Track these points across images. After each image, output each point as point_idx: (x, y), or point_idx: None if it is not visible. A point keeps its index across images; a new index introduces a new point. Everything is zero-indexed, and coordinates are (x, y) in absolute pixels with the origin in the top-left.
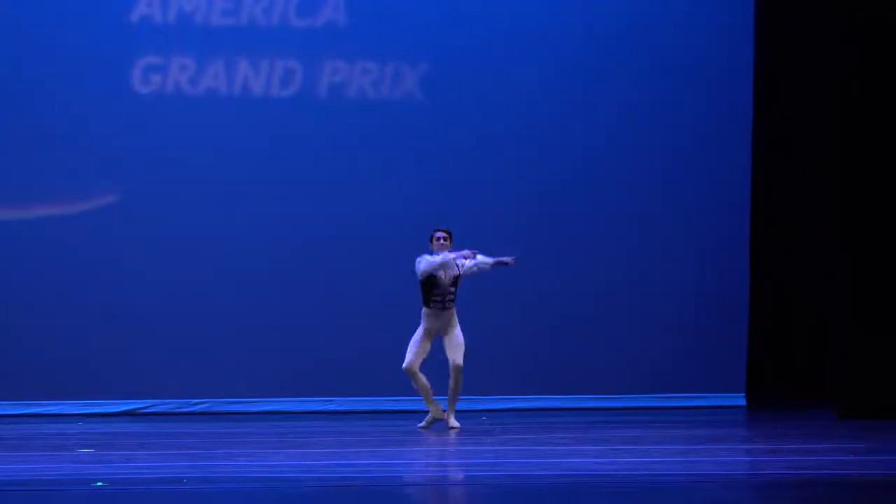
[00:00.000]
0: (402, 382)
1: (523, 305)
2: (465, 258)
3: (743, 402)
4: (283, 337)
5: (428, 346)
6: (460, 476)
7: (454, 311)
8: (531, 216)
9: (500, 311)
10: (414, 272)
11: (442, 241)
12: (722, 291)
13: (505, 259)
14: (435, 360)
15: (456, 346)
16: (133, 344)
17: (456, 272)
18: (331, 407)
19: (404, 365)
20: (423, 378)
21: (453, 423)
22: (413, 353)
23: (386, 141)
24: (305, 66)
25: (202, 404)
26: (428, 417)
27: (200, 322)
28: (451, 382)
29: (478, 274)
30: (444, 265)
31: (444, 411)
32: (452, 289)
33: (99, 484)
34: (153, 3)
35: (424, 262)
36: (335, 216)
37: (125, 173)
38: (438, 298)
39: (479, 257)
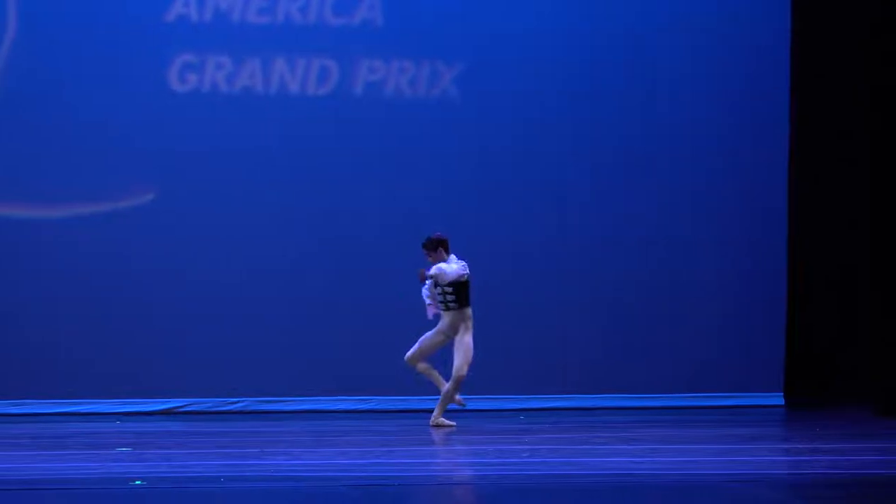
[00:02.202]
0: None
1: (562, 305)
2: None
3: (781, 401)
4: (319, 336)
5: (436, 340)
6: (497, 475)
7: (459, 315)
8: (567, 215)
9: (539, 311)
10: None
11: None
12: (760, 290)
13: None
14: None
15: (458, 353)
16: (171, 343)
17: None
18: (367, 406)
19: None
20: (423, 367)
21: (441, 421)
22: (418, 343)
23: (421, 140)
24: (341, 64)
25: (239, 403)
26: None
27: (237, 321)
28: (449, 385)
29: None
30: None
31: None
32: (449, 289)
33: (137, 483)
34: (189, 1)
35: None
36: (370, 214)
37: (161, 172)
38: (440, 300)
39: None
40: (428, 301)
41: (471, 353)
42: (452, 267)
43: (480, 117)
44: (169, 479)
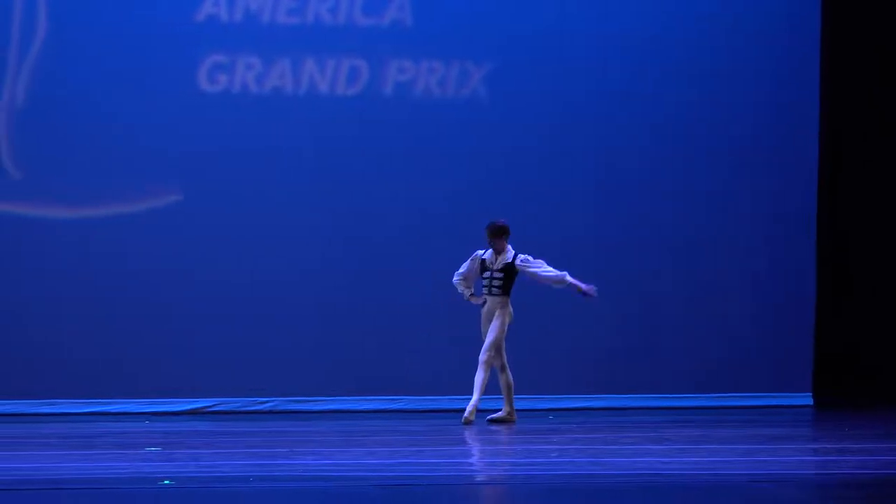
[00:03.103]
0: (468, 381)
1: (589, 304)
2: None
3: (810, 401)
4: (348, 336)
5: (485, 328)
6: (525, 475)
7: (499, 301)
8: (595, 215)
9: (568, 310)
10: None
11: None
12: (788, 289)
13: (582, 287)
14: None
15: (489, 335)
16: (199, 343)
17: (501, 264)
18: (396, 405)
19: None
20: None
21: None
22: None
23: (450, 140)
24: (371, 65)
25: (268, 403)
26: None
27: (266, 321)
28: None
29: (543, 283)
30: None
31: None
32: (499, 275)
33: (165, 482)
34: (219, 2)
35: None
36: (398, 215)
37: (190, 172)
38: (485, 283)
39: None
40: (460, 290)
41: (499, 335)
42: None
43: (509, 117)
44: (197, 478)
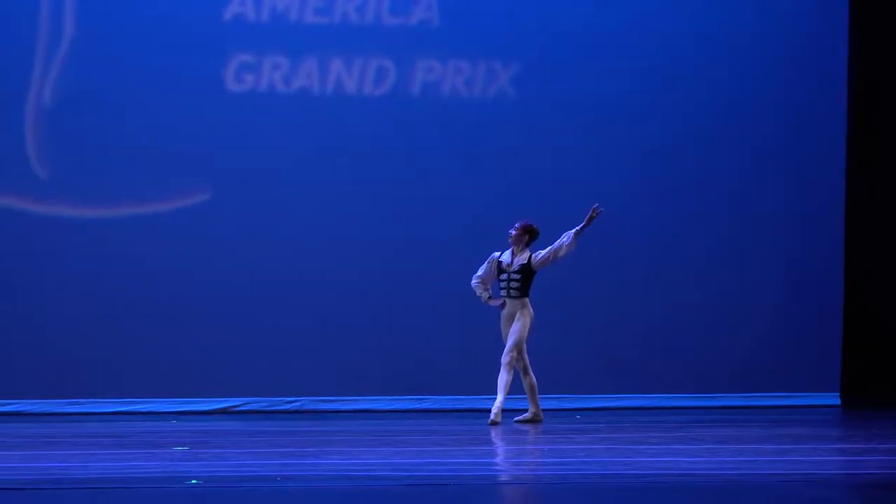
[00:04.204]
0: (495, 381)
1: (617, 304)
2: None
3: (838, 401)
4: (376, 335)
5: (505, 329)
6: (552, 475)
7: (519, 302)
8: (623, 215)
9: (594, 309)
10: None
11: (514, 234)
12: (816, 289)
13: (590, 216)
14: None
15: (510, 337)
16: (228, 342)
17: (518, 265)
18: (424, 405)
19: None
20: (527, 379)
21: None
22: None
23: (477, 140)
24: (398, 64)
25: (296, 402)
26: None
27: (294, 320)
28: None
29: (566, 256)
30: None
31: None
32: (516, 276)
33: (193, 482)
34: (246, 1)
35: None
36: (426, 215)
37: (217, 172)
38: (503, 285)
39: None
40: (479, 292)
41: (521, 336)
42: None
43: (537, 118)
44: (225, 478)
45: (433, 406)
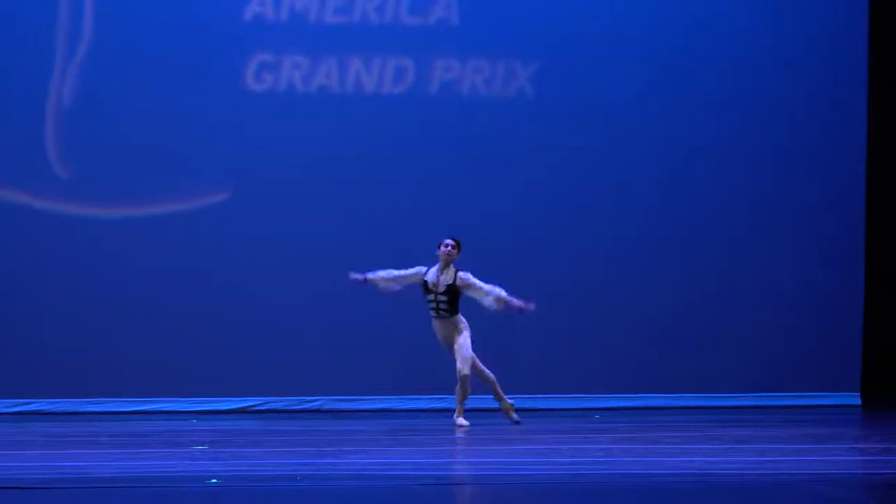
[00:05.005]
0: (515, 381)
1: (636, 303)
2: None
3: (858, 400)
4: (393, 335)
5: (447, 346)
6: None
7: (450, 322)
8: (642, 214)
9: (613, 309)
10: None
11: (449, 248)
12: (836, 288)
13: (516, 303)
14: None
15: (459, 355)
16: (248, 341)
17: (444, 286)
18: (441, 405)
19: None
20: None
21: (460, 421)
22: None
23: (496, 139)
24: (417, 63)
25: (315, 402)
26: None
27: (312, 320)
28: (458, 387)
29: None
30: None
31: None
32: (443, 298)
33: (213, 481)
34: (266, 1)
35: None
36: (445, 214)
37: (237, 171)
38: (431, 306)
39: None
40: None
41: (467, 351)
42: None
43: (556, 116)
44: (245, 477)
45: (451, 406)
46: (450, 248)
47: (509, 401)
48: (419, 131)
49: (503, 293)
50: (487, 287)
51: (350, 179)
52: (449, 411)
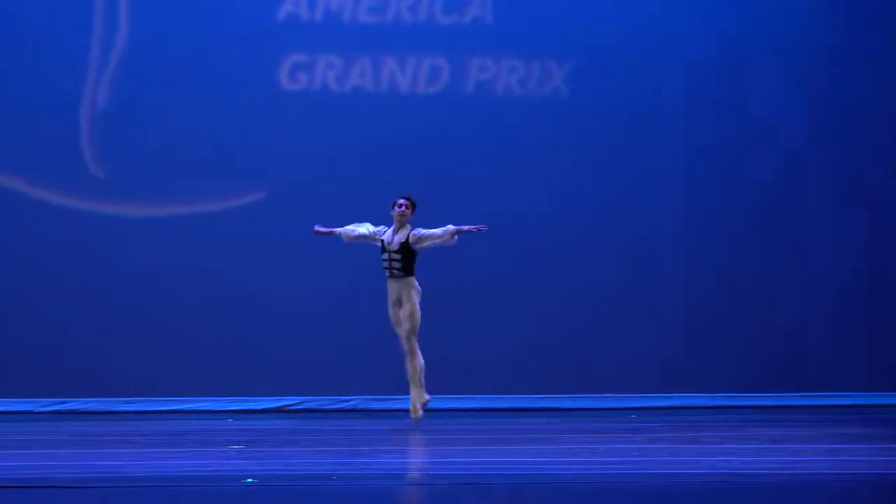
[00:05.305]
0: (548, 380)
1: (675, 302)
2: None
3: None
4: (428, 335)
5: (395, 313)
6: (607, 474)
7: (404, 282)
8: (678, 213)
9: (650, 308)
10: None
11: (402, 208)
12: (877, 287)
13: (469, 228)
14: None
15: (403, 320)
16: (283, 341)
17: (397, 244)
18: (475, 404)
19: None
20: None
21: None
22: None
23: (531, 138)
24: (452, 63)
25: (350, 401)
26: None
27: (347, 319)
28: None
29: (440, 246)
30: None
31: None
32: (397, 256)
33: (249, 480)
34: (300, 1)
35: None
36: (478, 214)
37: (272, 171)
38: (385, 265)
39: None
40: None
41: (416, 321)
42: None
43: (591, 116)
44: (280, 476)
45: (485, 405)
46: (403, 207)
47: (427, 396)
48: (453, 131)
49: (454, 227)
50: (439, 231)
51: (384, 179)
52: (486, 411)
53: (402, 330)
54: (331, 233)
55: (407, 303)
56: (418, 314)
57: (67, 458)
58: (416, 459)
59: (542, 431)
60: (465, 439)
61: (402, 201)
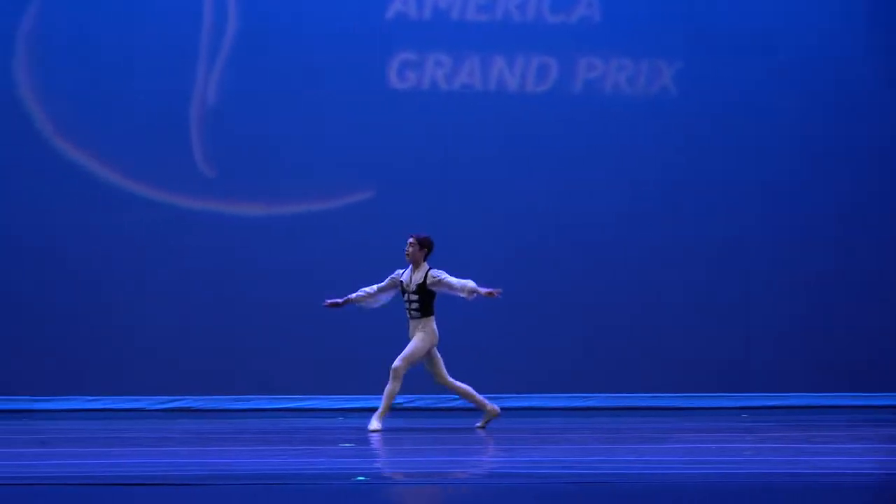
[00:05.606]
0: (663, 379)
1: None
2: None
3: None
4: (543, 333)
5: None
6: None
7: (422, 323)
8: (777, 214)
9: (764, 310)
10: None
11: (408, 247)
12: None
13: (484, 291)
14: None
15: (405, 350)
16: (394, 339)
17: (415, 285)
18: (587, 403)
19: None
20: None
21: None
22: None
23: (639, 137)
24: (560, 62)
25: (459, 399)
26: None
27: (463, 317)
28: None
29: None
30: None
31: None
32: (415, 297)
33: (359, 479)
34: (408, 0)
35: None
36: (590, 213)
37: (381, 169)
38: (405, 306)
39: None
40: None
41: (415, 353)
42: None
43: (700, 115)
44: (391, 474)
45: (597, 404)
46: (408, 246)
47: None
48: (562, 130)
49: (472, 284)
50: (458, 282)
51: (492, 178)
52: (595, 410)
53: (406, 360)
54: (346, 301)
55: (416, 341)
56: (418, 352)
57: (178, 455)
58: (525, 458)
59: (650, 431)
60: (575, 438)
61: (409, 240)
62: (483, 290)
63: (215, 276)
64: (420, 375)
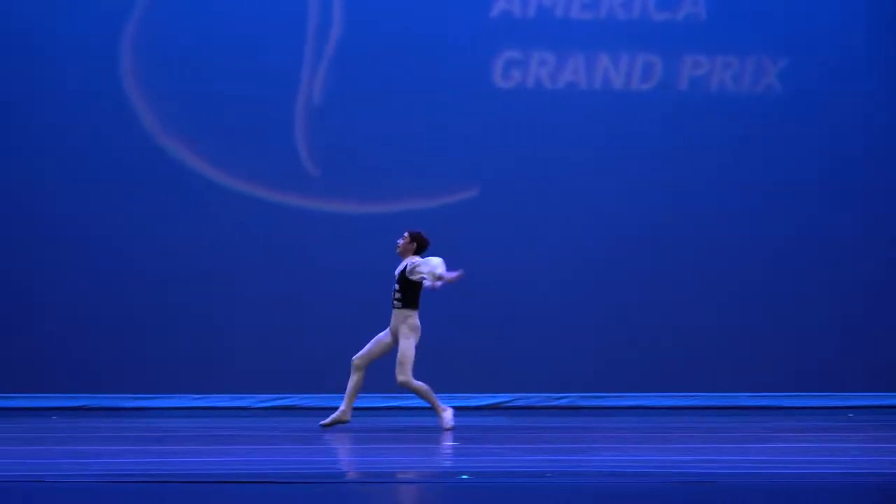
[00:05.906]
0: (760, 377)
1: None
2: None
3: None
4: (641, 332)
5: (385, 341)
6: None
7: (403, 315)
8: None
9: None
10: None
11: (399, 240)
12: None
13: (448, 276)
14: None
15: (397, 359)
16: (497, 337)
17: (397, 274)
18: (687, 402)
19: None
20: (357, 378)
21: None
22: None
23: (745, 136)
24: (665, 59)
25: (564, 399)
26: (333, 415)
27: (559, 317)
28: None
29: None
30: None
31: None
32: (396, 286)
33: (463, 477)
34: None
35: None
36: (695, 209)
37: (485, 168)
38: (392, 294)
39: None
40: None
41: (408, 356)
42: (433, 261)
43: (805, 114)
44: (494, 473)
45: (697, 403)
46: (400, 242)
47: (349, 413)
48: (668, 128)
49: (440, 268)
50: (426, 267)
51: (599, 176)
52: (698, 409)
53: (397, 370)
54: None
55: (402, 341)
56: (410, 353)
57: (280, 453)
58: (632, 457)
59: (754, 429)
60: (677, 437)
61: (404, 234)
62: (447, 275)
63: (316, 274)
64: (529, 375)
